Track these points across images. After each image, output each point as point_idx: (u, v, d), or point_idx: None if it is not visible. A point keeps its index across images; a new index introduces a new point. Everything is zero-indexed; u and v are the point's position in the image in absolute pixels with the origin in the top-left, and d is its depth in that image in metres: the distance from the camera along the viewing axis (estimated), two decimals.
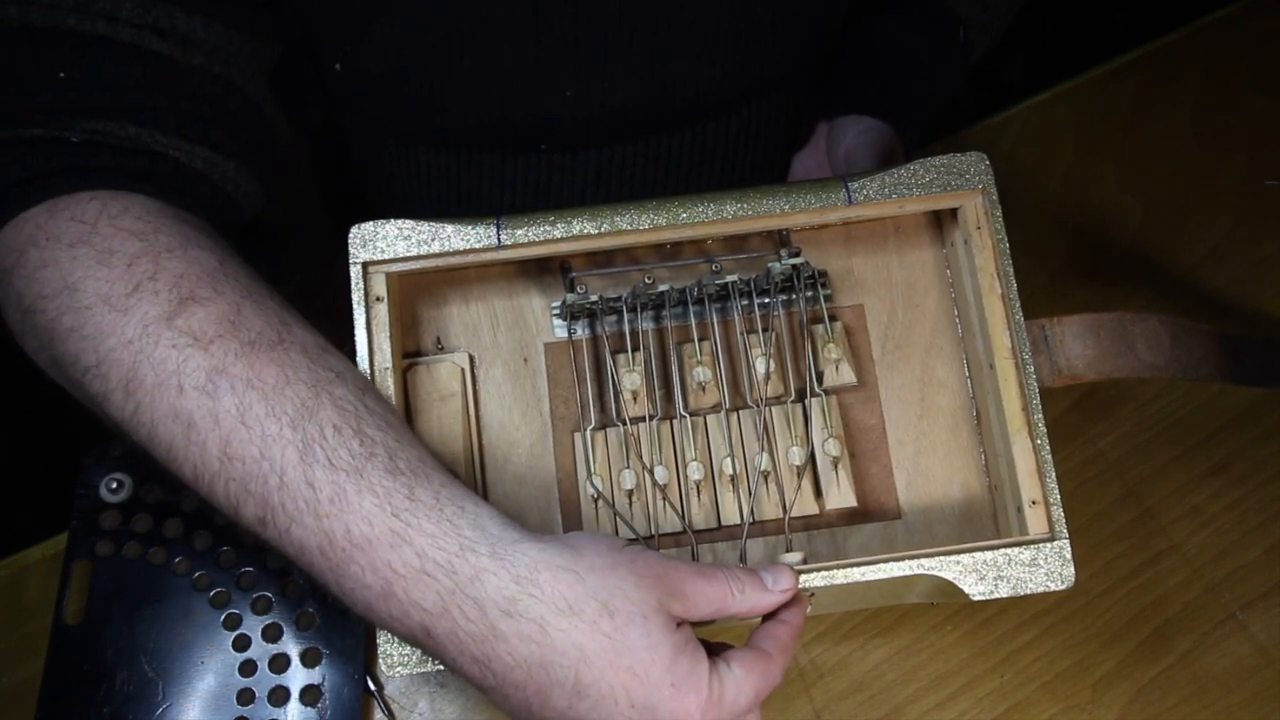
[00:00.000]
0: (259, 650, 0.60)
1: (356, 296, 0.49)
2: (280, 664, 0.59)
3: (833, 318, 0.54)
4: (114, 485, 0.63)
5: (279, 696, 0.59)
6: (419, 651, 0.44)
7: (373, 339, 0.49)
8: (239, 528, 0.43)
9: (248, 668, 0.59)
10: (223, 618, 0.60)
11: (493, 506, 0.43)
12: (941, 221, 0.55)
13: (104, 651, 0.59)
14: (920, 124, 0.73)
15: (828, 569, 0.45)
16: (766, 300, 0.54)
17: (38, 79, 0.46)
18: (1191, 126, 0.81)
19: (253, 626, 0.60)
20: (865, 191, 0.51)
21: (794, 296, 0.53)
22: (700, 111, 0.68)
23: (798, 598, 0.45)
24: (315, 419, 0.42)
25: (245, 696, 0.58)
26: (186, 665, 0.59)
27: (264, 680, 0.59)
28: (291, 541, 0.41)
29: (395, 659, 0.45)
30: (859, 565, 0.45)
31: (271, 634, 0.60)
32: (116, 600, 0.60)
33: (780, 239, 0.54)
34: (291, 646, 0.60)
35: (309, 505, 0.40)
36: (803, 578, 0.45)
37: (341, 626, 0.60)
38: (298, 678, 0.59)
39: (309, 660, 0.59)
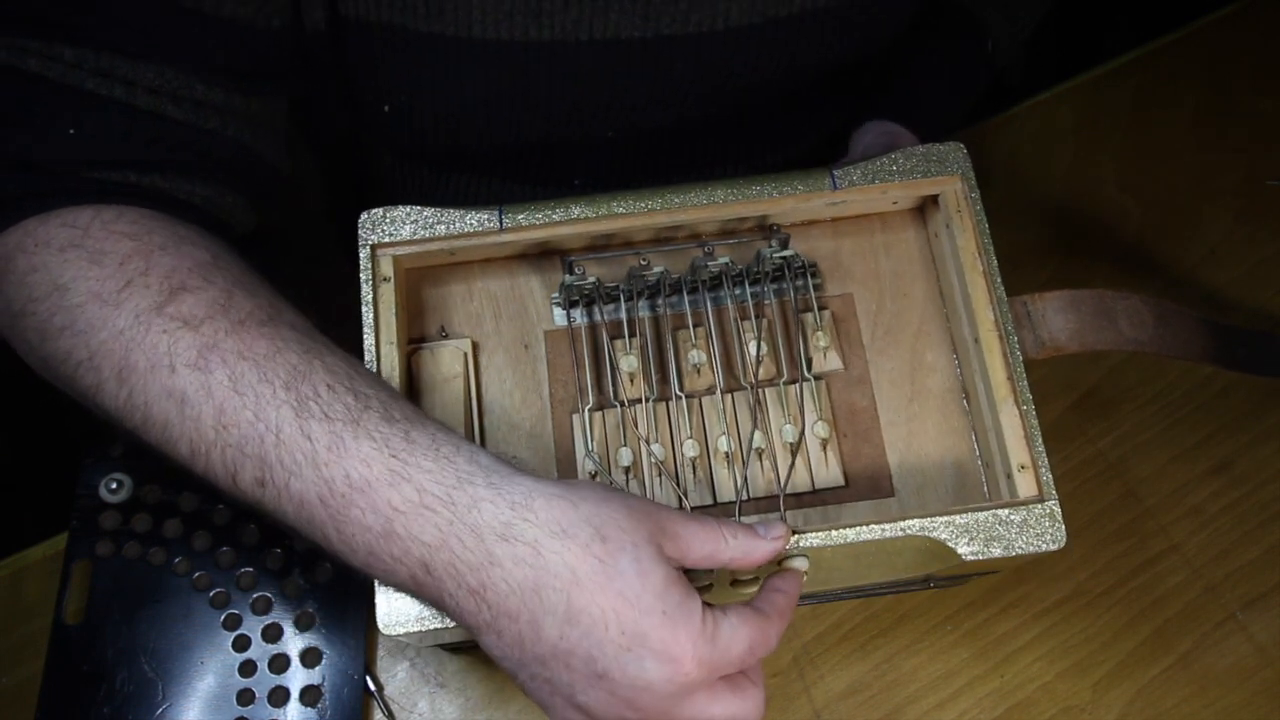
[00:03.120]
0: (259, 650, 0.60)
1: (364, 277, 0.51)
2: (280, 664, 0.59)
3: (822, 306, 0.55)
4: (114, 485, 0.63)
5: (279, 696, 0.59)
6: (417, 611, 0.45)
7: (379, 318, 0.50)
8: (236, 499, 0.43)
9: (248, 668, 0.59)
10: (223, 618, 0.60)
11: (487, 450, 0.43)
12: (925, 214, 0.57)
13: (104, 651, 0.59)
14: (941, 131, 0.73)
15: (820, 530, 0.46)
16: (758, 288, 0.55)
17: (46, 128, 0.47)
18: (1191, 126, 0.81)
19: (253, 626, 0.60)
20: (850, 178, 0.53)
21: (785, 285, 0.55)
22: (739, 154, 0.69)
23: (794, 571, 0.45)
24: (309, 380, 0.42)
25: (245, 697, 0.58)
26: (186, 665, 0.59)
27: (264, 680, 0.59)
28: (291, 497, 0.41)
29: (394, 618, 0.45)
30: (852, 527, 0.46)
31: (271, 634, 0.60)
32: (116, 600, 0.60)
33: (770, 231, 0.55)
34: (291, 646, 0.60)
35: (307, 457, 0.41)
36: (796, 539, 0.45)
37: (341, 627, 0.60)
38: (298, 678, 0.59)
39: (309, 660, 0.59)
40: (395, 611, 0.45)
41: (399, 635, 0.45)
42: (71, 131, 0.47)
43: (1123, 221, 0.77)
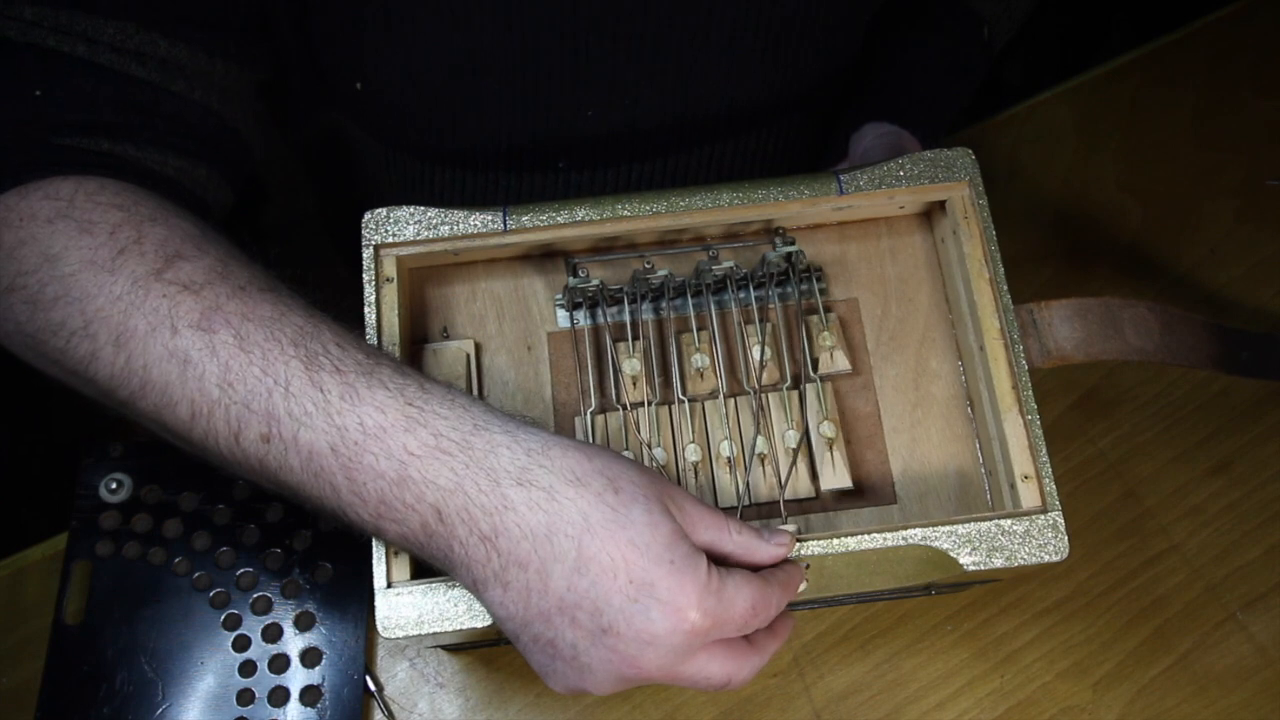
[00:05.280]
0: (259, 650, 0.60)
1: (367, 277, 0.51)
2: (280, 664, 0.59)
3: (827, 309, 0.55)
4: (114, 485, 0.63)
5: (279, 696, 0.59)
6: (416, 615, 0.44)
7: (381, 318, 0.50)
8: (233, 463, 0.43)
9: (248, 668, 0.59)
10: (223, 618, 0.60)
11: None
12: (932, 220, 0.56)
13: (104, 651, 0.59)
14: (943, 127, 0.73)
15: (823, 538, 0.46)
16: (763, 292, 0.55)
17: (13, 93, 0.47)
18: (1191, 126, 0.81)
19: (253, 626, 0.60)
20: (856, 183, 0.53)
21: (789, 289, 0.55)
22: (721, 129, 0.68)
23: (795, 565, 0.45)
24: (317, 339, 0.42)
25: (245, 697, 0.58)
26: (186, 665, 0.59)
27: (264, 680, 0.59)
28: (299, 449, 0.41)
29: (393, 621, 0.45)
30: (853, 535, 0.46)
31: (271, 634, 0.60)
32: (116, 600, 0.60)
33: (776, 235, 0.55)
34: (291, 646, 0.60)
35: (319, 406, 0.41)
36: (798, 546, 0.46)
37: (341, 627, 0.60)
38: (298, 678, 0.59)
39: (309, 660, 0.59)
40: (395, 615, 0.45)
41: (399, 638, 0.45)
42: (38, 93, 0.47)
43: (1123, 221, 0.77)
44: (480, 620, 0.44)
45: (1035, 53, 1.33)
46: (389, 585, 0.45)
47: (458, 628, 0.44)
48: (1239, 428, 0.68)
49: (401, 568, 0.46)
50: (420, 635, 0.45)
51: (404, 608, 0.45)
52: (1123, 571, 0.64)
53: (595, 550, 0.38)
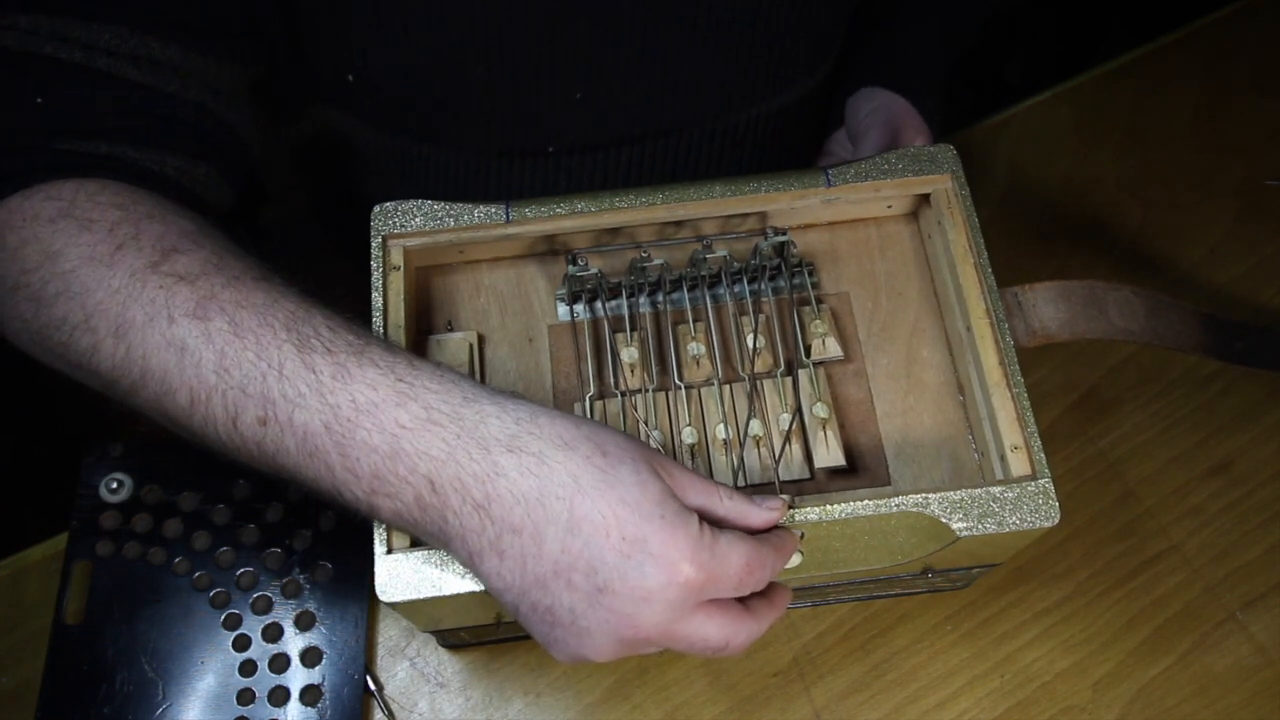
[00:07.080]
0: (259, 650, 0.60)
1: (375, 264, 0.53)
2: (280, 664, 0.59)
3: (819, 301, 0.56)
4: (114, 485, 0.63)
5: (279, 696, 0.59)
6: (416, 579, 0.45)
7: (388, 302, 0.52)
8: (233, 448, 0.43)
9: (248, 668, 0.59)
10: (223, 618, 0.60)
11: None
12: (919, 217, 0.58)
13: (104, 651, 0.59)
14: (935, 88, 0.72)
15: (816, 505, 0.47)
16: (757, 285, 0.56)
17: (13, 101, 0.48)
18: (1191, 126, 0.81)
19: (253, 626, 0.60)
20: (843, 177, 0.55)
21: (782, 282, 0.56)
22: (711, 111, 0.68)
23: (788, 531, 0.45)
24: (308, 323, 0.43)
25: (245, 696, 0.58)
26: (186, 665, 0.59)
27: (264, 680, 0.59)
28: (295, 430, 0.41)
29: (392, 585, 0.45)
30: (847, 502, 0.47)
31: (271, 634, 0.60)
32: (116, 600, 0.60)
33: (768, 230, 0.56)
34: (291, 646, 0.60)
35: (312, 387, 0.41)
36: (792, 513, 0.46)
37: (341, 626, 0.60)
38: (298, 678, 0.59)
39: (309, 660, 0.60)
40: (394, 580, 0.45)
41: (397, 603, 0.45)
42: (38, 100, 0.47)
43: (1123, 221, 0.77)
44: (477, 583, 0.45)
45: (1035, 53, 1.33)
46: (389, 551, 0.46)
47: (455, 591, 0.45)
48: (1239, 428, 0.68)
49: (401, 535, 0.46)
50: (418, 600, 0.45)
51: (403, 572, 0.45)
52: (1122, 571, 0.64)
53: (587, 510, 0.39)
